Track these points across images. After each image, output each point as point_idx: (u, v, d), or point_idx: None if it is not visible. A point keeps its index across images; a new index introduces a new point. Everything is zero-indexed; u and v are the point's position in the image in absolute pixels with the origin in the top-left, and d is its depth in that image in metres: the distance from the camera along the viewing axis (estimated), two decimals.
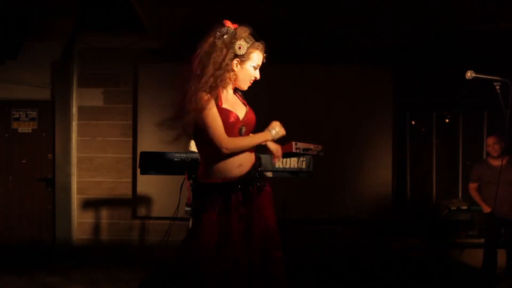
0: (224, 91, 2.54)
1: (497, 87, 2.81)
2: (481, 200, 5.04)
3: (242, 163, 2.53)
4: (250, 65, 2.52)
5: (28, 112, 5.88)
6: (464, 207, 5.77)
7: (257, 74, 2.56)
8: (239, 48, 2.47)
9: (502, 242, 4.99)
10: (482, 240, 5.28)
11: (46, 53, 5.80)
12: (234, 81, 2.54)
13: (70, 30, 5.79)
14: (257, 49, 2.52)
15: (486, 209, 4.94)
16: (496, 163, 4.91)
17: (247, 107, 2.64)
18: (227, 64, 2.46)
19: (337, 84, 5.70)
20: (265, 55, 2.56)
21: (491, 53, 5.44)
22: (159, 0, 4.68)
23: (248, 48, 2.49)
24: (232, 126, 2.48)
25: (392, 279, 5.06)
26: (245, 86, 2.59)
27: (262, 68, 2.64)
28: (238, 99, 2.64)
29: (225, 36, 2.46)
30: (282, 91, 5.52)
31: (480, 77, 2.79)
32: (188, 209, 3.75)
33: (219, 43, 2.46)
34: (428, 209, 6.03)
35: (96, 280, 4.93)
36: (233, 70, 2.50)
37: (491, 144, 4.96)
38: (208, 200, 2.51)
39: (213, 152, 2.48)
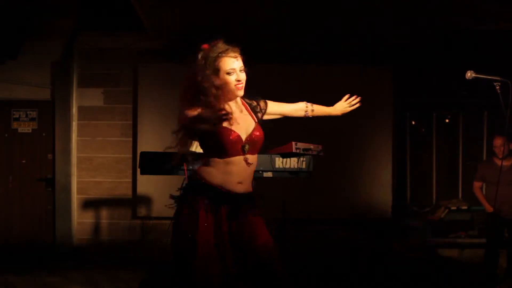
0: (225, 105, 2.49)
1: (497, 87, 2.81)
2: (484, 199, 5.00)
3: (242, 181, 2.52)
4: (223, 74, 2.48)
5: (28, 112, 5.88)
6: (464, 207, 5.78)
7: (239, 77, 2.49)
8: (209, 65, 2.47)
9: (504, 242, 4.98)
10: (482, 240, 5.29)
11: (46, 53, 5.80)
12: (223, 95, 2.46)
13: (70, 30, 5.79)
14: (222, 56, 2.48)
15: (489, 208, 4.91)
16: (503, 163, 4.86)
17: (255, 123, 2.57)
18: (205, 86, 2.40)
19: (337, 84, 5.67)
20: (237, 56, 2.50)
21: (491, 53, 5.44)
22: (159, 0, 4.69)
23: (214, 61, 2.48)
24: (233, 144, 2.46)
25: (392, 279, 5.06)
26: (235, 93, 2.52)
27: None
28: (244, 109, 2.59)
29: (200, 59, 2.50)
30: (282, 91, 5.47)
31: (480, 77, 2.79)
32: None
33: (196, 68, 2.47)
34: (428, 209, 6.03)
35: (96, 280, 4.93)
36: (214, 87, 2.42)
37: (499, 145, 4.86)
38: (206, 201, 2.50)
39: (219, 163, 2.50)
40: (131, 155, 5.84)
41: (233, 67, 2.49)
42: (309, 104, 2.95)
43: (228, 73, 2.48)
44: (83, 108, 5.91)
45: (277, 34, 5.36)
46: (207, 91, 2.38)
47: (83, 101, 5.91)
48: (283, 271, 2.51)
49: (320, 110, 3.08)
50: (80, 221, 5.89)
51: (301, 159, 3.71)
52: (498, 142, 4.90)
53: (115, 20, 5.68)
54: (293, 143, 3.52)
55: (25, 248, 5.75)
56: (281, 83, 5.48)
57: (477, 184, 5.12)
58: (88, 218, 5.89)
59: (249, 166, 2.52)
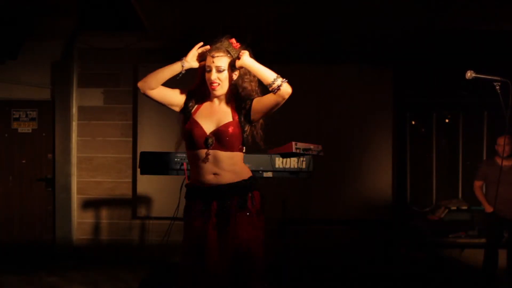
0: (209, 103, 2.62)
1: (497, 87, 2.81)
2: (484, 199, 4.95)
3: (217, 172, 2.52)
4: (205, 72, 2.59)
5: (28, 112, 5.88)
6: (464, 207, 5.77)
7: (210, 76, 2.55)
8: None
9: (504, 242, 4.97)
10: (482, 240, 5.28)
11: (46, 53, 5.79)
12: (206, 91, 2.61)
13: (70, 30, 5.79)
14: (208, 54, 2.57)
15: (489, 208, 4.87)
16: (504, 163, 4.82)
17: (233, 119, 2.55)
18: (198, 80, 2.66)
19: (337, 84, 5.70)
20: (216, 56, 2.54)
21: (491, 53, 5.44)
22: (159, 0, 4.69)
23: (207, 58, 2.58)
24: (197, 137, 2.52)
25: (392, 279, 5.06)
26: (211, 92, 2.58)
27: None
28: (227, 109, 2.60)
29: None
30: None
31: (480, 77, 2.79)
32: None
33: None
34: (428, 209, 6.03)
35: (96, 280, 4.93)
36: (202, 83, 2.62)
37: (502, 144, 4.78)
38: (190, 202, 2.59)
39: (190, 155, 2.58)
40: (131, 155, 5.84)
41: (210, 65, 2.55)
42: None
43: (207, 72, 2.56)
44: (83, 108, 5.91)
45: (277, 34, 5.37)
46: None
47: (83, 101, 5.91)
48: (258, 275, 2.50)
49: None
50: (80, 221, 5.89)
51: (301, 159, 3.71)
52: (501, 140, 4.86)
53: (115, 20, 5.68)
54: (293, 143, 3.53)
55: (25, 248, 5.75)
56: None
57: (477, 183, 5.08)
58: (88, 218, 5.89)
59: (206, 162, 2.50)
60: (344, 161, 5.68)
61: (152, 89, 2.59)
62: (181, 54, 2.62)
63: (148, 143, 5.63)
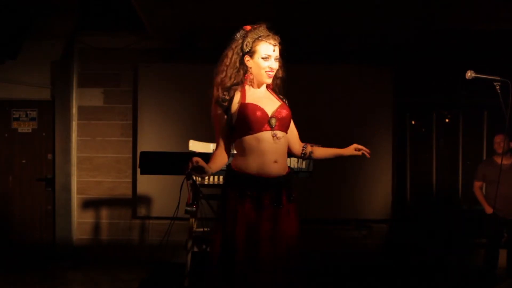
0: (250, 88, 2.61)
1: (497, 87, 2.81)
2: (484, 200, 4.96)
3: (277, 160, 2.53)
4: (258, 58, 2.56)
5: (28, 112, 5.88)
6: (464, 207, 5.77)
7: (271, 64, 2.56)
8: (246, 45, 2.56)
9: (504, 242, 4.96)
10: (482, 240, 5.28)
11: (46, 53, 5.79)
12: (252, 77, 2.60)
13: (70, 30, 5.79)
14: (262, 40, 2.56)
15: (489, 210, 4.85)
16: (503, 161, 4.79)
17: (281, 101, 2.66)
18: (235, 63, 2.58)
19: (337, 84, 5.70)
20: (276, 45, 2.58)
21: (491, 53, 5.44)
22: (159, 0, 4.69)
23: (253, 42, 2.56)
24: (259, 120, 2.49)
25: (392, 279, 5.06)
26: (263, 79, 2.59)
27: None
28: (270, 94, 2.67)
29: (238, 39, 2.61)
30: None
31: (480, 77, 2.79)
32: (188, 209, 3.75)
33: (233, 46, 2.61)
34: (428, 209, 6.03)
35: (96, 280, 4.93)
36: (246, 67, 2.58)
37: (498, 141, 4.85)
38: (242, 191, 2.50)
39: (250, 140, 2.51)
40: (131, 155, 5.84)
41: (270, 53, 2.57)
42: (308, 145, 2.85)
43: (264, 58, 2.56)
44: (83, 108, 5.91)
45: (277, 34, 5.36)
46: (232, 67, 2.56)
47: (83, 101, 5.91)
48: (298, 267, 2.53)
49: (322, 152, 2.96)
50: (80, 221, 5.89)
51: None
52: (498, 138, 4.90)
53: (115, 20, 5.69)
54: None
55: (25, 248, 5.74)
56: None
57: (477, 184, 5.08)
58: (88, 218, 5.89)
59: (278, 140, 2.52)
60: (344, 161, 5.64)
61: (222, 163, 2.61)
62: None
63: (148, 143, 5.63)
